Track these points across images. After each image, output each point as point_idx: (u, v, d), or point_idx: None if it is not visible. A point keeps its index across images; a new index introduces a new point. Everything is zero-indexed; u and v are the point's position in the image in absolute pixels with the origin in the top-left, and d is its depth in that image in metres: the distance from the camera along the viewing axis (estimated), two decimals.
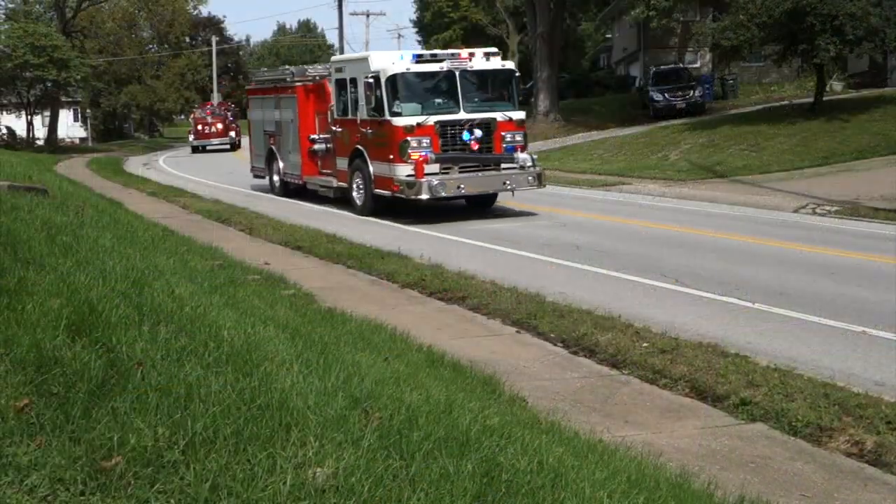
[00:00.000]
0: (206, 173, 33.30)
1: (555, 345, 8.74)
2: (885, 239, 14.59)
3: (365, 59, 18.49)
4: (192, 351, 4.47)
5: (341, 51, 61.97)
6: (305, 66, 23.34)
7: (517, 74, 18.82)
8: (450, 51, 19.15)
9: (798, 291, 10.70)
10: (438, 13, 64.48)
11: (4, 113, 60.36)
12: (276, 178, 23.76)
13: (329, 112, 20.40)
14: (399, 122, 17.34)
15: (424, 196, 17.08)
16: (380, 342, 7.41)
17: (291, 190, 22.98)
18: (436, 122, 17.34)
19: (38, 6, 64.92)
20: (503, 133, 17.93)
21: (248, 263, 11.65)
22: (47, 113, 61.32)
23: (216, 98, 71.12)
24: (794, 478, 5.75)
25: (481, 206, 19.28)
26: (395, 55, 18.12)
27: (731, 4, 30.39)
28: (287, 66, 26.90)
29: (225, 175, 31.69)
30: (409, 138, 17.17)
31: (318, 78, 21.78)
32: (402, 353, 7.16)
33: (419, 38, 73.31)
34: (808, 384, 7.08)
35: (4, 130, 58.59)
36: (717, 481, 5.27)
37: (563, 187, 23.77)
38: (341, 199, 20.27)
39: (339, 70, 19.80)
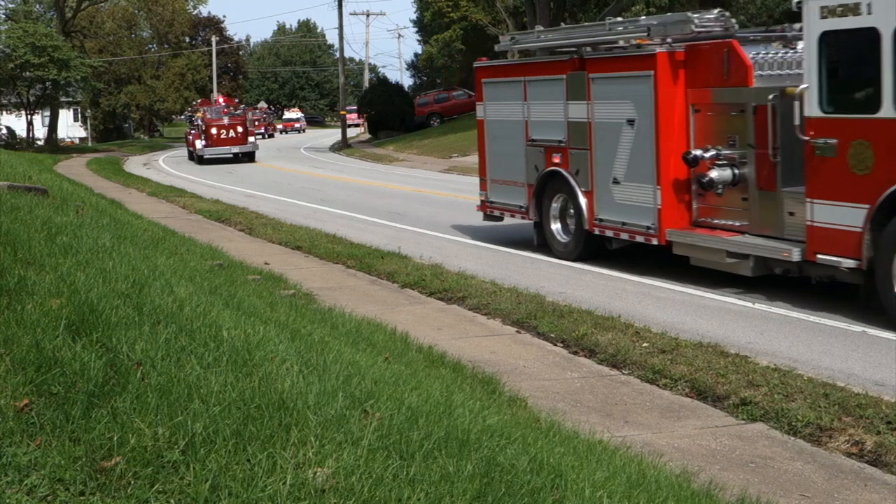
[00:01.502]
0: (205, 173, 33.28)
1: (555, 345, 8.74)
2: None
3: None
4: (192, 351, 4.47)
5: (341, 51, 61.67)
6: (689, 14, 11.74)
7: None
8: None
9: (798, 290, 10.69)
10: (438, 13, 64.43)
11: (4, 113, 60.53)
12: (558, 226, 13.29)
13: (773, 100, 9.99)
14: None
15: None
16: (380, 342, 7.41)
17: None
18: None
19: (38, 6, 65.01)
20: None
21: (248, 263, 11.65)
22: (47, 113, 61.45)
23: (215, 98, 70.85)
24: (795, 478, 5.75)
25: None
26: None
27: (731, 4, 30.42)
28: (619, 19, 14.79)
29: (225, 175, 31.67)
30: None
31: (705, 37, 11.22)
32: (402, 353, 7.17)
33: (419, 38, 73.39)
34: (808, 384, 7.09)
35: (4, 130, 58.67)
36: (718, 481, 5.27)
37: None
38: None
39: (841, 10, 9.11)
